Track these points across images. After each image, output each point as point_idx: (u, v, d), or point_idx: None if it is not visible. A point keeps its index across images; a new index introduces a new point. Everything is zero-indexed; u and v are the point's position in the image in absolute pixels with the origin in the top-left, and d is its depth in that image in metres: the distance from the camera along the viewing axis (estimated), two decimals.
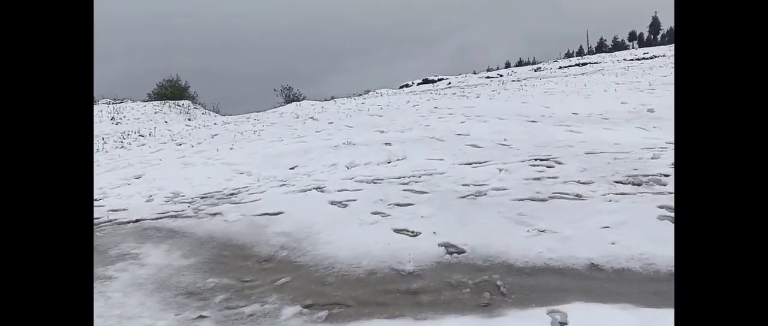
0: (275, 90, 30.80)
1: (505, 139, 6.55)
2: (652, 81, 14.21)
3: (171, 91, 30.73)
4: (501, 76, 35.47)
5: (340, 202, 4.50)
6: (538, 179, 4.65)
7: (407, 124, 8.59)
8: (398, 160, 5.82)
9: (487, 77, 35.92)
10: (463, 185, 4.68)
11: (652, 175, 4.49)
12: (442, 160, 5.72)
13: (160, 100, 28.83)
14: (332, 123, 9.92)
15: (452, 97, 13.96)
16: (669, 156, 5.10)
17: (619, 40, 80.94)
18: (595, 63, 33.99)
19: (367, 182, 5.02)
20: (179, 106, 28.07)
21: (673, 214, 3.58)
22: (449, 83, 34.68)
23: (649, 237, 3.22)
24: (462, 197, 4.33)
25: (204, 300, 2.96)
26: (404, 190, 4.67)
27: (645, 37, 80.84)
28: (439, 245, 3.41)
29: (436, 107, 11.08)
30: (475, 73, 43.29)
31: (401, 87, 40.13)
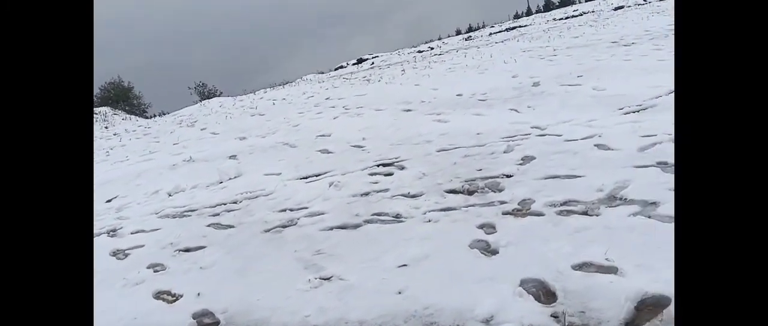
0: (189, 88, 28.91)
1: (363, 139, 5.84)
2: (557, 46, 13.83)
3: (115, 94, 28.26)
4: (431, 49, 34.61)
5: (123, 251, 3.68)
6: (366, 194, 3.96)
7: (276, 125, 7.77)
8: (230, 179, 5.01)
9: (419, 51, 34.97)
10: (280, 211, 3.95)
11: (493, 177, 3.88)
12: (279, 174, 4.96)
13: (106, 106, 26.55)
14: (205, 129, 8.98)
15: (353, 83, 13.16)
16: (523, 147, 4.51)
17: None
18: (523, 26, 33.35)
19: (174, 216, 4.21)
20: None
21: (489, 237, 2.96)
22: (372, 63, 33.66)
23: (446, 279, 2.58)
24: (267, 231, 3.60)
25: None
26: (209, 225, 3.89)
27: None
28: (192, 316, 2.66)
29: (327, 98, 10.28)
30: (414, 46, 41.95)
31: (336, 68, 38.81)
